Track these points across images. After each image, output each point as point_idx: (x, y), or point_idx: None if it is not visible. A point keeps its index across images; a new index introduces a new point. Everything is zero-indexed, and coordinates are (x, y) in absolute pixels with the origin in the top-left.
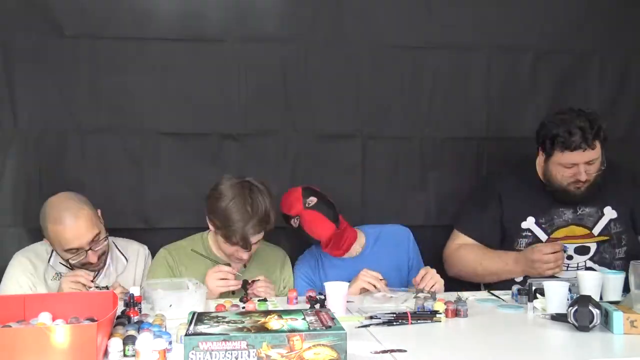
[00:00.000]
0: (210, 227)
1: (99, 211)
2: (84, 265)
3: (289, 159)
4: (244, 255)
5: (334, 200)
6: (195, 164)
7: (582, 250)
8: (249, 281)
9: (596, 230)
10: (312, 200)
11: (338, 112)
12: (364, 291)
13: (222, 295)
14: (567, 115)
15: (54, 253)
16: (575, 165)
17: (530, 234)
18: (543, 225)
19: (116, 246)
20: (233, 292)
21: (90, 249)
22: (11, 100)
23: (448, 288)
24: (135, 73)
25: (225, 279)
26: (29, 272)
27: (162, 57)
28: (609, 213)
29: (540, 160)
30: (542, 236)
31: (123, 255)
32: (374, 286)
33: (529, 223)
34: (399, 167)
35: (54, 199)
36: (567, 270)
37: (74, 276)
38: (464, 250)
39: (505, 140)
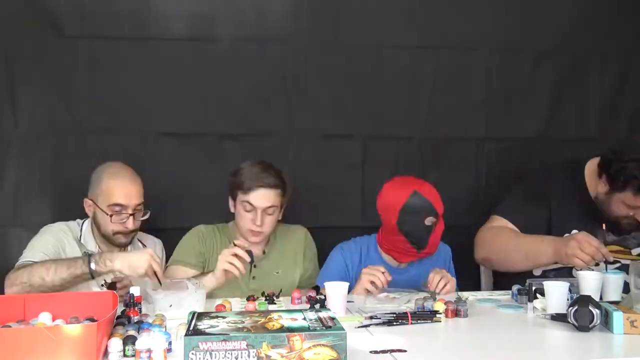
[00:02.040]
0: (231, 206)
1: None
2: (116, 234)
3: (289, 159)
4: (257, 221)
5: (334, 200)
6: (195, 164)
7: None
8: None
9: (635, 251)
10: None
11: (338, 112)
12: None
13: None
14: None
15: (86, 230)
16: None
17: None
18: None
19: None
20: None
21: (133, 214)
22: (11, 100)
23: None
24: (135, 73)
25: (235, 261)
26: (60, 238)
27: (162, 57)
28: None
29: (600, 186)
30: None
31: (143, 244)
32: (375, 286)
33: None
34: (399, 167)
35: (114, 162)
36: None
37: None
38: (503, 230)
39: (505, 140)
